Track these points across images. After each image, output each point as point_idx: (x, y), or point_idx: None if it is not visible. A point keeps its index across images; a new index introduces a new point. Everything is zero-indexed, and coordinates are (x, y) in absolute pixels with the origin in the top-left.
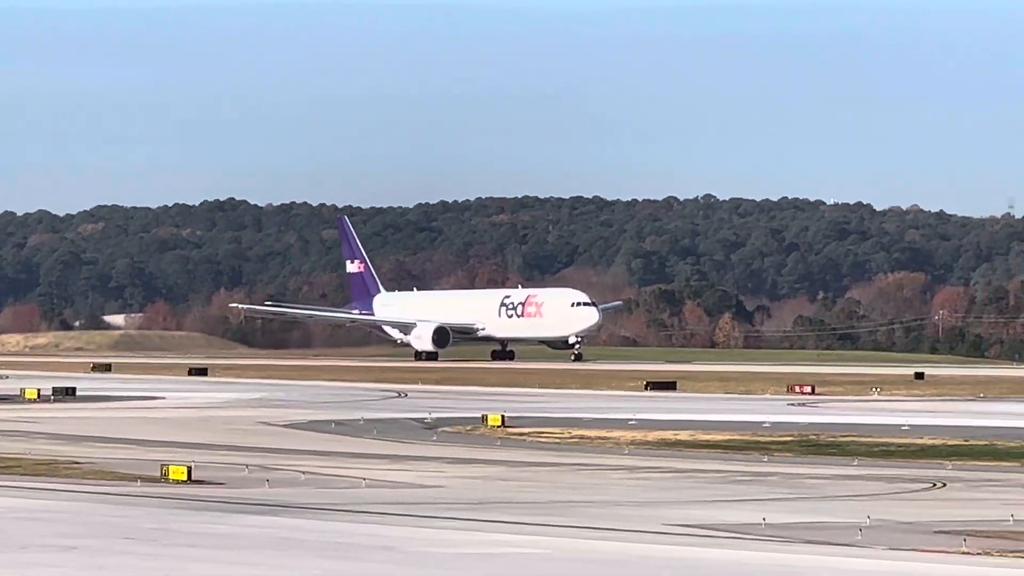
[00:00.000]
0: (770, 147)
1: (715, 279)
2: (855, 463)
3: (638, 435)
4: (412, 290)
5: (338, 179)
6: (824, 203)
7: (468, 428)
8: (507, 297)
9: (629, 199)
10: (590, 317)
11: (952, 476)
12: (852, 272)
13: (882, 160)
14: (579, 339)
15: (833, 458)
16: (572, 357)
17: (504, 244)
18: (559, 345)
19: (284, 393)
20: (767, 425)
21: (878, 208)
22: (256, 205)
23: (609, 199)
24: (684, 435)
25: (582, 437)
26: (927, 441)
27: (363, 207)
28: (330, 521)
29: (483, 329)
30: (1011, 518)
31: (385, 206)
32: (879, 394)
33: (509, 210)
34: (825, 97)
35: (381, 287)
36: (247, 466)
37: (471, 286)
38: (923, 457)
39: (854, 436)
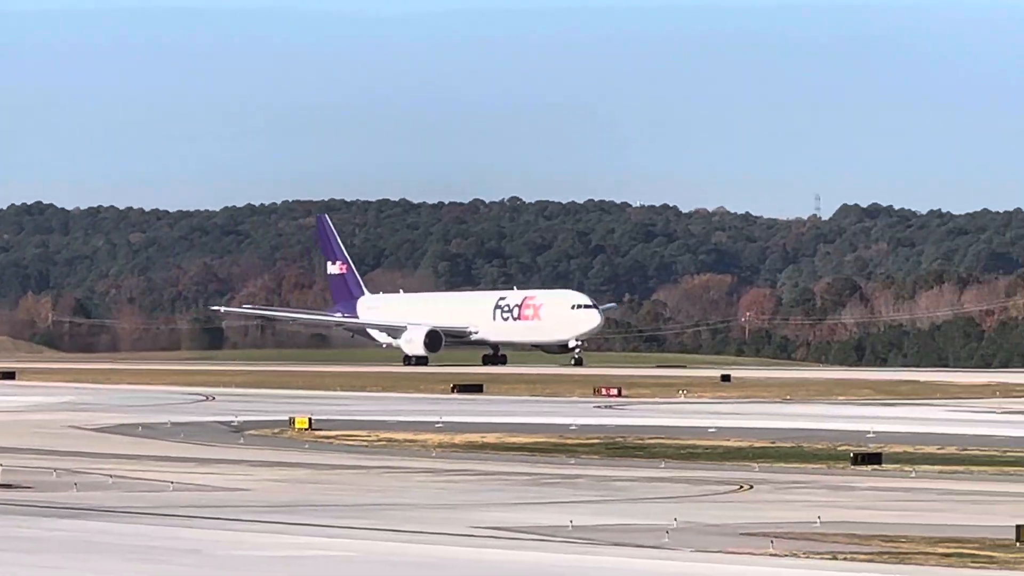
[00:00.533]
0: (575, 149)
1: (522, 281)
2: (662, 465)
3: (445, 438)
4: (398, 291)
5: (144, 183)
6: (630, 205)
7: (276, 431)
8: (502, 299)
9: (435, 202)
10: (591, 320)
11: (759, 478)
12: (658, 274)
13: (688, 162)
14: (579, 343)
15: (640, 460)
16: (572, 361)
17: (311, 247)
18: (555, 349)
19: (92, 397)
20: (574, 427)
21: (684, 210)
22: (63, 209)
23: (415, 202)
24: (491, 438)
25: (390, 440)
26: (734, 443)
27: (170, 210)
28: (138, 524)
29: (476, 332)
30: (818, 520)
31: (192, 209)
32: (686, 396)
33: (316, 213)
34: (632, 100)
35: (365, 289)
36: (55, 470)
37: (279, 289)
38: (730, 459)
39: (661, 438)
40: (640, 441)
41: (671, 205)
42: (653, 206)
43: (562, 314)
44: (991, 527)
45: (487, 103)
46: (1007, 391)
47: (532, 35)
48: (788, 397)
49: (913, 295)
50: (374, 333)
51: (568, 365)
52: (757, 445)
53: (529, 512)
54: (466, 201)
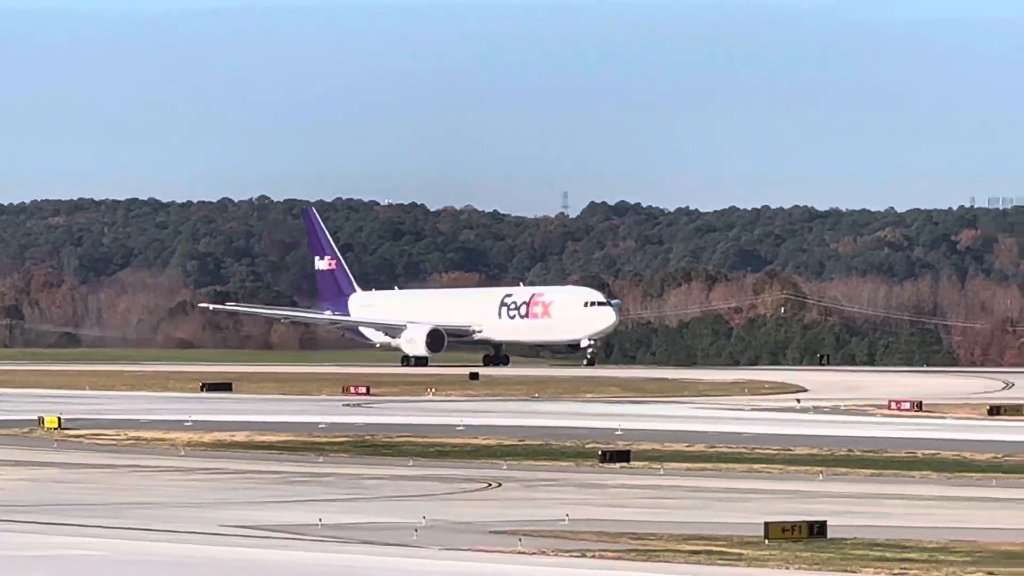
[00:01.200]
0: (322, 147)
1: (270, 280)
2: (411, 463)
3: (195, 436)
4: (393, 288)
5: None
6: (378, 203)
7: (25, 431)
8: (508, 296)
9: (184, 201)
10: (605, 318)
11: (507, 476)
12: (407, 272)
13: (434, 161)
14: (592, 342)
15: (389, 458)
16: (584, 362)
17: (60, 246)
18: (561, 349)
19: None
20: (323, 426)
21: (432, 208)
22: None
23: (164, 201)
24: (240, 436)
25: (138, 439)
26: (482, 441)
27: None
28: None
29: (480, 331)
30: (567, 517)
31: None
32: (433, 394)
33: (65, 212)
34: (373, 99)
35: (356, 286)
36: None
37: (28, 288)
38: (479, 457)
39: (409, 436)
40: (389, 439)
41: (419, 203)
42: (402, 204)
43: (574, 312)
44: (740, 524)
45: (231, 100)
46: (755, 388)
47: (263, 37)
48: (536, 395)
49: (661, 293)
50: (368, 332)
51: (581, 365)
52: (506, 443)
53: (279, 511)
54: (215, 200)
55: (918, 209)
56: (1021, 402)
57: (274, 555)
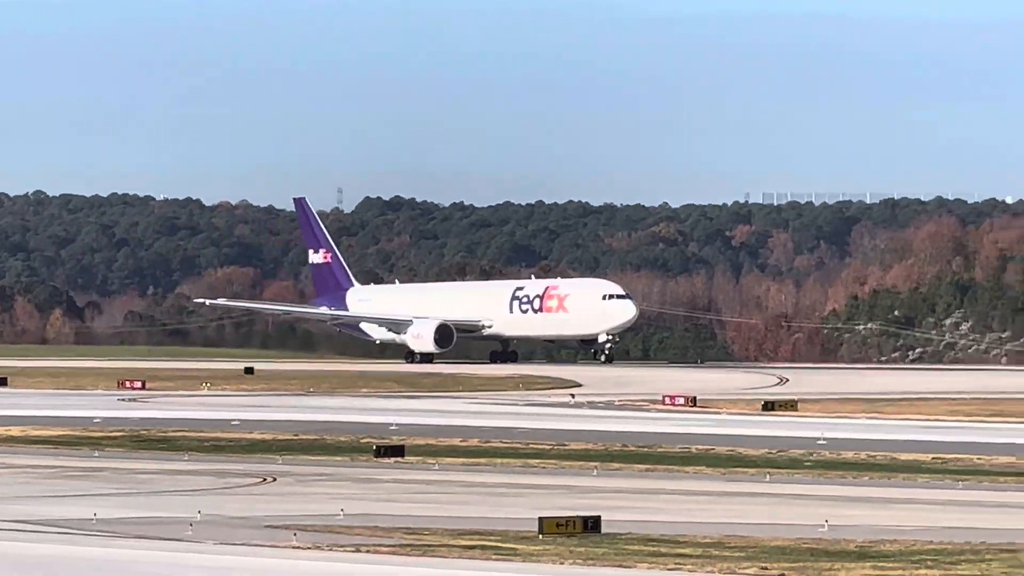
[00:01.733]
0: (97, 142)
1: (45, 275)
2: (186, 458)
3: None
4: (394, 282)
5: None
6: (154, 199)
7: None
8: (519, 289)
9: None
10: (625, 312)
11: (282, 471)
12: (182, 267)
13: (210, 157)
14: (611, 337)
15: (164, 453)
16: (602, 358)
17: None
18: (572, 344)
19: None
20: (98, 420)
21: (207, 203)
22: None
23: None
24: (15, 431)
25: None
26: (258, 436)
27: None
28: None
29: (490, 327)
30: (341, 512)
31: None
32: (209, 389)
33: None
34: (134, 93)
35: (354, 280)
36: None
37: None
38: (254, 452)
39: (185, 431)
40: (164, 434)
41: (195, 198)
42: (177, 199)
43: (592, 305)
44: (514, 519)
45: (5, 97)
46: (530, 384)
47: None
48: (312, 389)
49: None
50: (368, 328)
51: (598, 363)
52: (281, 438)
53: (53, 505)
54: None
55: (692, 204)
56: (794, 397)
57: (47, 549)
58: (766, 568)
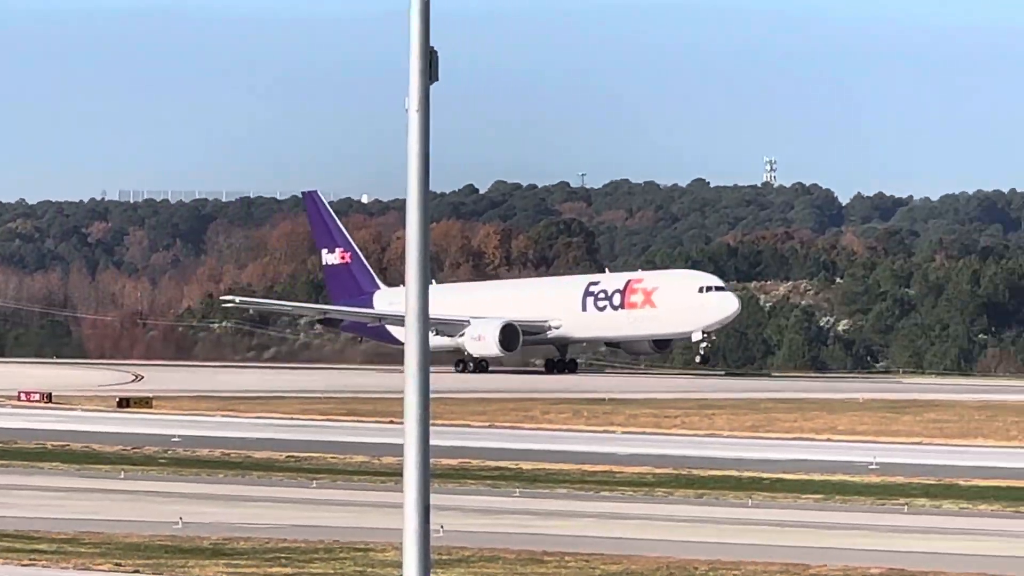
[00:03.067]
0: None
1: None
2: None
3: None
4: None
5: None
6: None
7: None
8: (594, 284)
9: None
10: (726, 306)
11: None
12: None
13: None
14: (706, 335)
15: None
16: (698, 358)
17: None
18: (647, 347)
19: None
20: None
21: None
22: None
23: None
24: None
25: None
26: None
27: None
28: None
29: (558, 327)
30: None
31: None
32: None
33: None
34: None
35: (380, 282)
36: None
37: None
38: None
39: None
40: None
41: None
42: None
43: (686, 299)
44: None
45: None
46: None
47: None
48: None
49: None
50: (397, 332)
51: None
52: None
53: None
54: None
55: (49, 201)
56: (150, 395)
57: None
58: (120, 564)
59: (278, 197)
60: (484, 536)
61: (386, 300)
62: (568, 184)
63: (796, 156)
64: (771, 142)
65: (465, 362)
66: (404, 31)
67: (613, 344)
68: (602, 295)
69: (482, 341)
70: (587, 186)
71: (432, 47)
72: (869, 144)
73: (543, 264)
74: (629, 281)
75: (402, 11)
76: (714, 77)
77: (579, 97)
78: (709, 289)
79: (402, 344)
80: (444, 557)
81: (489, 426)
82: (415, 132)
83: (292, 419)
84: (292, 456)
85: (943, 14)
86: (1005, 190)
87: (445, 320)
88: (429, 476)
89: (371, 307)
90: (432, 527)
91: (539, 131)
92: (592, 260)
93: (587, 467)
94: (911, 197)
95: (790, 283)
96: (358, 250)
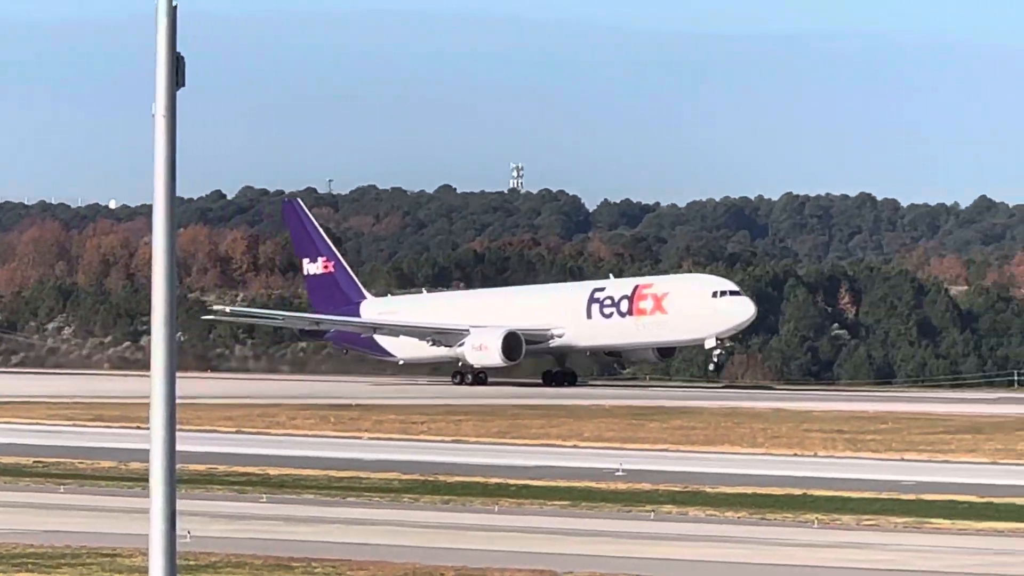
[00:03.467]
0: None
1: None
2: None
3: None
4: (421, 292)
5: None
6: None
7: None
8: (598, 290)
9: None
10: (742, 311)
11: None
12: None
13: None
14: (720, 342)
15: None
16: (711, 367)
17: None
18: (650, 356)
19: None
20: None
21: None
22: None
23: None
24: None
25: None
26: None
27: None
28: None
29: (561, 335)
30: None
31: None
32: None
33: None
34: None
35: (366, 291)
36: None
37: None
38: None
39: None
40: None
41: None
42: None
43: (699, 304)
44: None
45: None
46: None
47: None
48: None
49: None
50: (389, 344)
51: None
52: None
53: None
54: None
55: None
56: None
57: None
58: None
59: (26, 203)
60: (231, 542)
61: (374, 310)
62: (316, 190)
63: (543, 163)
64: (518, 149)
65: (463, 373)
66: (151, 35)
67: (615, 353)
68: (608, 301)
69: (484, 351)
70: (334, 192)
71: (179, 53)
72: (616, 152)
73: (291, 270)
74: (637, 286)
75: (149, 15)
76: (461, 83)
77: (327, 103)
78: (723, 294)
79: (392, 357)
80: (191, 563)
81: (236, 431)
82: (162, 137)
83: (39, 424)
84: (39, 461)
85: (673, 20)
86: (752, 197)
87: (443, 329)
88: (175, 482)
89: (358, 317)
90: (179, 533)
91: (286, 137)
92: None
93: (334, 473)
94: (658, 204)
95: None
96: (341, 259)
